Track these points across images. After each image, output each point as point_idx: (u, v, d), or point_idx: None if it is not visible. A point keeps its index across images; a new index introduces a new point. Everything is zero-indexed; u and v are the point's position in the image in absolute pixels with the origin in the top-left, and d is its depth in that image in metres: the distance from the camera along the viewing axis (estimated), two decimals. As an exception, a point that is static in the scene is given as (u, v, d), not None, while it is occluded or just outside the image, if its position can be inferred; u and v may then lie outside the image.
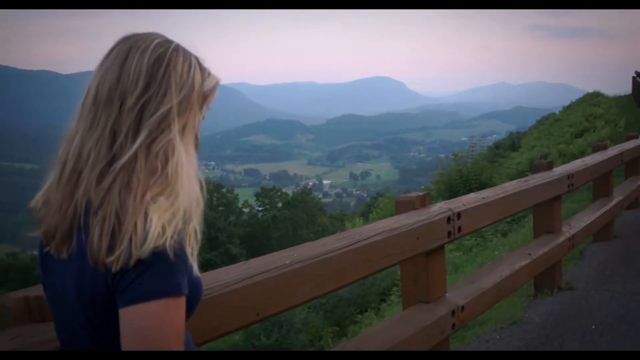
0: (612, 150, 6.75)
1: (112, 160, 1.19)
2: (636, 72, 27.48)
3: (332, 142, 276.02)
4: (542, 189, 4.47)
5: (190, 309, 1.23)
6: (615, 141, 12.97)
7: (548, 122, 25.74)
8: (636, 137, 8.60)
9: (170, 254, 1.14)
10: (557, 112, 28.24)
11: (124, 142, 1.20)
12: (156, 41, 1.26)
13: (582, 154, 13.89)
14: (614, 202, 6.54)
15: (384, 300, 11.41)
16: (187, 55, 1.29)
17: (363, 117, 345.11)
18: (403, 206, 3.27)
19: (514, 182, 4.35)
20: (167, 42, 1.28)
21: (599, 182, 6.70)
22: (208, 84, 1.31)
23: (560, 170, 5.04)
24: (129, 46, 1.25)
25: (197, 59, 1.31)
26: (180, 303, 1.16)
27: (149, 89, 1.22)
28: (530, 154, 20.06)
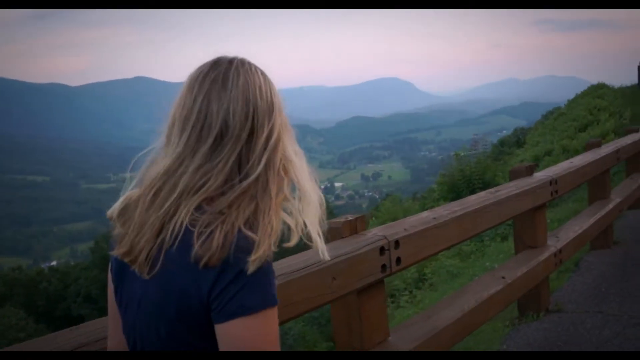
0: (607, 148, 6.07)
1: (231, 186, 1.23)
2: (642, 62, 26.66)
3: (343, 144, 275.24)
4: (517, 200, 3.82)
5: None
6: (619, 134, 12.26)
7: (553, 117, 24.97)
8: (636, 131, 7.92)
9: (271, 262, 1.18)
10: (564, 105, 27.46)
11: (250, 171, 1.24)
12: (252, 66, 1.32)
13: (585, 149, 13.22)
14: (611, 205, 5.86)
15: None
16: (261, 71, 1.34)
17: (372, 118, 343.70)
18: (331, 234, 2.64)
19: (482, 194, 3.70)
20: (249, 63, 1.33)
21: (594, 184, 6.03)
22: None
23: (542, 175, 4.38)
24: (235, 73, 1.28)
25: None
26: (276, 312, 1.18)
27: (269, 117, 1.28)
28: (534, 151, 19.34)
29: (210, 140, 1.23)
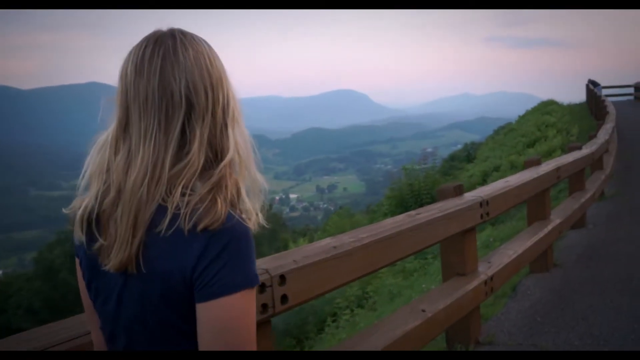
0: (547, 166, 5.76)
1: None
2: (589, 80, 27.02)
3: (298, 156, 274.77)
4: (440, 224, 3.42)
5: None
6: (566, 151, 12.16)
7: (503, 132, 24.99)
8: (579, 149, 7.68)
9: (252, 238, 1.18)
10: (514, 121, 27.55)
11: (223, 147, 1.23)
12: (193, 36, 1.27)
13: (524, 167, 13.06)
14: (550, 226, 5.54)
15: (323, 330, 10.39)
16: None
17: (329, 130, 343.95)
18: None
19: (399, 217, 3.28)
20: (189, 33, 1.27)
21: (533, 204, 5.71)
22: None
23: (471, 196, 3.99)
24: (182, 46, 1.23)
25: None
26: (254, 293, 1.17)
27: (222, 86, 1.26)
28: (483, 166, 19.25)
29: (179, 121, 1.19)
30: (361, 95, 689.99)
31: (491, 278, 4.02)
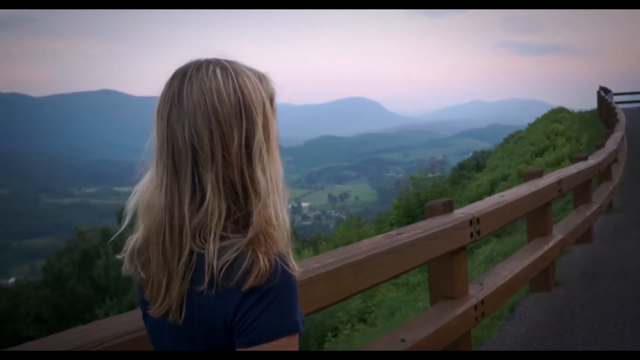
0: (548, 179, 5.46)
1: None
2: (600, 87, 26.61)
3: (311, 164, 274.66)
4: (423, 244, 3.15)
5: None
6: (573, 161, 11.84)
7: (512, 140, 24.65)
8: (585, 159, 7.38)
9: (296, 286, 1.15)
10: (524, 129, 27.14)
11: (246, 189, 1.18)
12: (209, 68, 1.19)
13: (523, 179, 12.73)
14: (552, 242, 5.24)
15: (323, 345, 10.12)
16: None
17: (341, 138, 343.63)
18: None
19: (377, 238, 3.01)
20: (206, 66, 1.20)
21: (532, 220, 5.42)
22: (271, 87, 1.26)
23: (462, 212, 3.71)
24: (189, 85, 1.18)
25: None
26: (297, 339, 1.14)
27: (239, 120, 1.19)
28: (492, 175, 18.94)
29: (188, 167, 1.15)
30: (373, 103, 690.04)
31: (482, 302, 3.73)
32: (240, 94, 1.16)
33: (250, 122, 1.17)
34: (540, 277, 5.35)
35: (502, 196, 4.42)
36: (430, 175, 20.18)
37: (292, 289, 1.13)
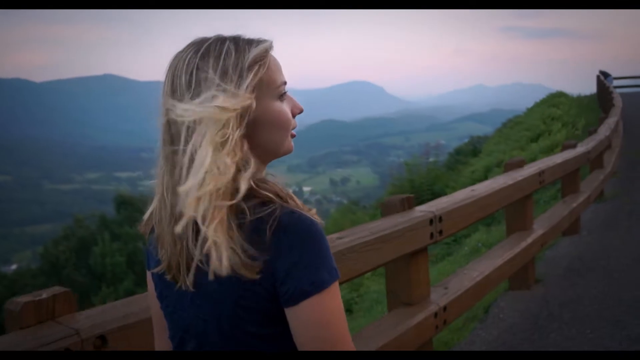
0: (529, 169, 5.11)
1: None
2: (600, 71, 26.16)
3: (312, 148, 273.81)
4: (370, 249, 2.81)
5: None
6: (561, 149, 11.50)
7: (509, 125, 24.19)
8: (574, 147, 7.03)
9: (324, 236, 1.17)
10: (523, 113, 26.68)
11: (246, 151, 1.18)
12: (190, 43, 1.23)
13: (533, 161, 12.37)
14: (531, 238, 4.91)
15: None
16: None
17: (342, 122, 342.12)
18: None
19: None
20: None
21: (512, 214, 5.08)
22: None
23: (422, 210, 3.37)
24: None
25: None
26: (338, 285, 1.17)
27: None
28: (487, 161, 18.55)
29: (182, 139, 1.15)
30: (375, 87, 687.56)
31: (444, 308, 3.40)
32: (200, 63, 1.16)
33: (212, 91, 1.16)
34: (519, 275, 5.03)
35: (473, 190, 4.08)
36: (426, 160, 19.79)
37: (321, 246, 1.14)
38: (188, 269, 1.16)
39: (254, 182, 1.14)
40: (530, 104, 27.62)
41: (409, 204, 3.37)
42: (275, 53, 1.25)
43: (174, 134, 1.16)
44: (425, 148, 21.64)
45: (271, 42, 1.23)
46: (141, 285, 37.25)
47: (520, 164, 5.19)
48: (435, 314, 3.33)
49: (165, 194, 1.18)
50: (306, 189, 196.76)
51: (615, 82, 28.10)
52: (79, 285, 38.36)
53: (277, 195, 1.16)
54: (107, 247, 39.65)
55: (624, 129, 14.86)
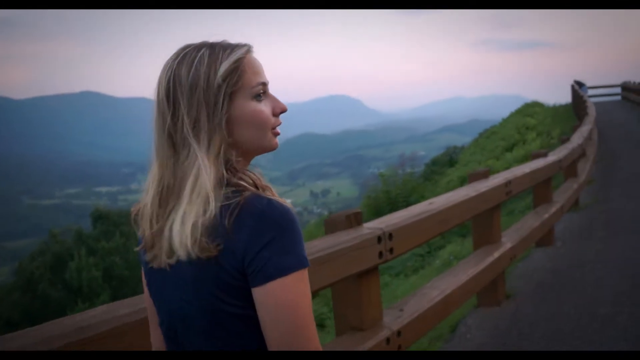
0: (494, 180, 4.81)
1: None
2: (575, 81, 26.18)
3: (292, 161, 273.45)
4: (313, 272, 2.48)
5: None
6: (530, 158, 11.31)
7: (485, 135, 24.06)
8: (544, 156, 6.76)
9: (298, 223, 1.21)
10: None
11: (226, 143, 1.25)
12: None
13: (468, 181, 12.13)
14: (498, 253, 4.60)
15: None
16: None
17: (322, 135, 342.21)
18: None
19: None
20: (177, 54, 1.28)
21: (477, 226, 4.78)
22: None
23: (370, 227, 3.05)
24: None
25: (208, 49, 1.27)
26: (307, 273, 1.19)
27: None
28: (462, 171, 18.37)
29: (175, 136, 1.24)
30: (354, 101, 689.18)
31: (398, 333, 3.07)
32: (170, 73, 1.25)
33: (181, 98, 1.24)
34: (488, 291, 4.72)
35: (431, 203, 3.76)
36: (399, 171, 19.54)
37: (292, 232, 1.17)
38: (163, 248, 1.22)
39: (231, 172, 1.21)
40: (507, 115, 27.53)
41: (356, 221, 3.05)
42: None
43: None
44: (401, 159, 21.36)
45: (248, 47, 1.28)
46: (117, 299, 36.68)
47: (485, 175, 4.88)
48: (388, 340, 3.00)
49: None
50: (287, 201, 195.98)
51: (591, 92, 28.15)
52: (55, 300, 37.61)
53: (255, 185, 1.22)
54: (83, 261, 39.03)
55: (600, 137, 14.72)
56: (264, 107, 1.27)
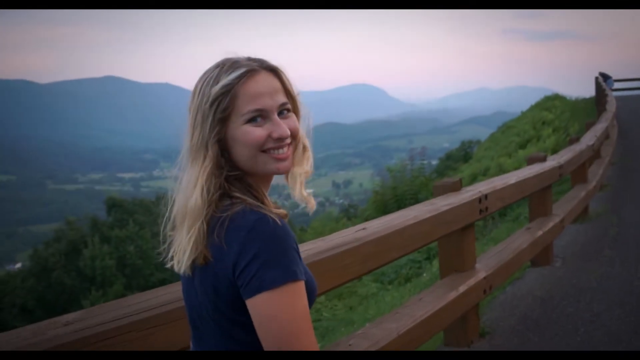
0: (465, 194, 3.91)
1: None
2: (600, 73, 24.93)
3: (314, 150, 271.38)
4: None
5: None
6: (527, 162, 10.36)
7: (501, 129, 23.01)
8: (543, 160, 5.85)
9: (289, 238, 1.25)
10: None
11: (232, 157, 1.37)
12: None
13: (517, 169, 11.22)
14: (467, 284, 3.72)
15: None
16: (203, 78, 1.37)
17: (345, 125, 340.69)
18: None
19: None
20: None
21: (444, 251, 3.90)
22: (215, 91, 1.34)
23: (472, 189, 2.22)
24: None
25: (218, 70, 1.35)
26: (300, 286, 1.22)
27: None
28: (475, 167, 17.48)
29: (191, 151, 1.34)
30: (378, 90, 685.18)
31: None
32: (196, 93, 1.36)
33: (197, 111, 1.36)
34: (457, 328, 3.87)
35: (406, 217, 2.91)
36: (408, 166, 18.69)
37: (277, 246, 1.22)
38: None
39: (233, 186, 1.31)
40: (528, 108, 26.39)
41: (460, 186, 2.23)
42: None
43: None
44: (410, 153, 20.43)
45: (247, 70, 1.32)
46: (131, 288, 36.31)
47: (455, 187, 3.96)
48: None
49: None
50: (308, 191, 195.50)
51: (620, 85, 26.87)
52: (68, 287, 37.41)
53: (254, 197, 1.31)
54: (97, 249, 38.90)
55: (621, 136, 13.68)
56: (257, 130, 1.32)
